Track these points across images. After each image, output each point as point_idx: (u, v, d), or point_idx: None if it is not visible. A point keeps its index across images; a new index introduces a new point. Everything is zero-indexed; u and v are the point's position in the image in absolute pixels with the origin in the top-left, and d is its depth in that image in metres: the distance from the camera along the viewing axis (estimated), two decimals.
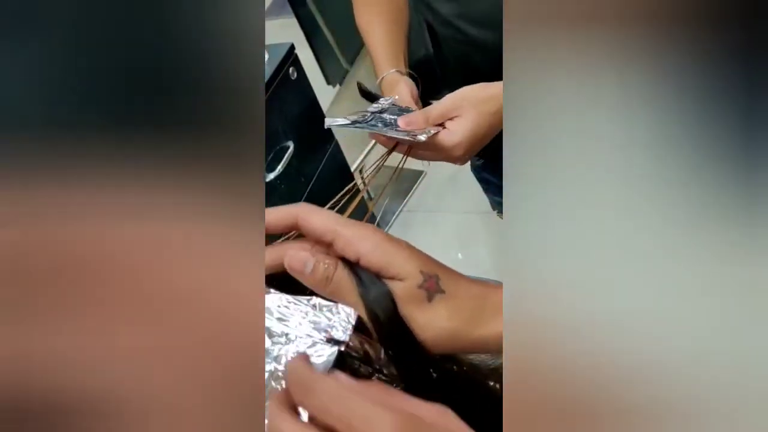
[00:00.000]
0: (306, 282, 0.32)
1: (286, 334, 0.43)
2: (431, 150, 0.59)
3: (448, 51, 0.81)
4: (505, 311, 0.26)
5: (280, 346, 0.43)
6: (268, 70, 1.41)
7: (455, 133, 0.56)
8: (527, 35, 0.26)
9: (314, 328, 0.40)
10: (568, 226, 0.25)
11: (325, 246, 0.32)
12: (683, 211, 0.24)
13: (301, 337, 0.42)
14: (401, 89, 0.67)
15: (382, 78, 0.70)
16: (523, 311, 0.25)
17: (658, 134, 0.24)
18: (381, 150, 0.64)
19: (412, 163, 0.66)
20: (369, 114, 0.61)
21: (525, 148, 0.26)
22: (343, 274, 0.31)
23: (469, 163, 0.99)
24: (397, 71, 0.69)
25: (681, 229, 0.24)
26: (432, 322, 0.31)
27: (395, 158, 0.62)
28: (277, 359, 0.43)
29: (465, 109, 0.57)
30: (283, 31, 1.83)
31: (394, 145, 0.61)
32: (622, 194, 0.25)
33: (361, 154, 1.81)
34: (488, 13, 0.71)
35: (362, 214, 0.50)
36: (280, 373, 0.44)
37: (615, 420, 0.24)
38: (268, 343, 0.44)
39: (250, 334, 0.25)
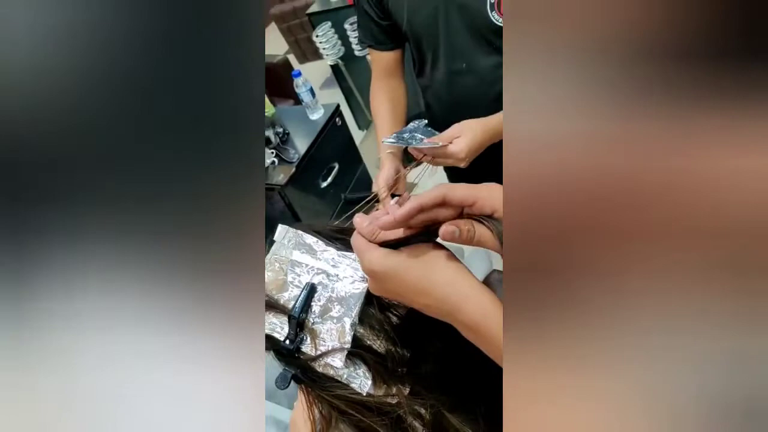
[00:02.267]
0: (457, 242, 0.37)
1: (337, 275, 0.54)
2: (444, 156, 0.85)
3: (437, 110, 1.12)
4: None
5: (334, 281, 0.54)
6: (323, 120, 1.99)
7: (458, 144, 0.83)
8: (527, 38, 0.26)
9: (355, 271, 0.54)
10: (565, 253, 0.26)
11: (464, 209, 0.38)
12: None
13: (346, 277, 0.55)
14: (385, 157, 0.92)
15: (382, 141, 0.94)
16: None
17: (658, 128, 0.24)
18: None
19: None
20: (408, 133, 0.89)
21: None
22: (481, 229, 0.37)
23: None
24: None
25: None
26: None
27: (412, 175, 0.92)
28: (333, 290, 0.53)
29: (464, 132, 0.85)
30: (332, 96, 2.69)
31: (422, 155, 0.86)
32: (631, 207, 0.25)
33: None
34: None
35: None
36: (334, 297, 0.53)
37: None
38: (326, 280, 0.54)
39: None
